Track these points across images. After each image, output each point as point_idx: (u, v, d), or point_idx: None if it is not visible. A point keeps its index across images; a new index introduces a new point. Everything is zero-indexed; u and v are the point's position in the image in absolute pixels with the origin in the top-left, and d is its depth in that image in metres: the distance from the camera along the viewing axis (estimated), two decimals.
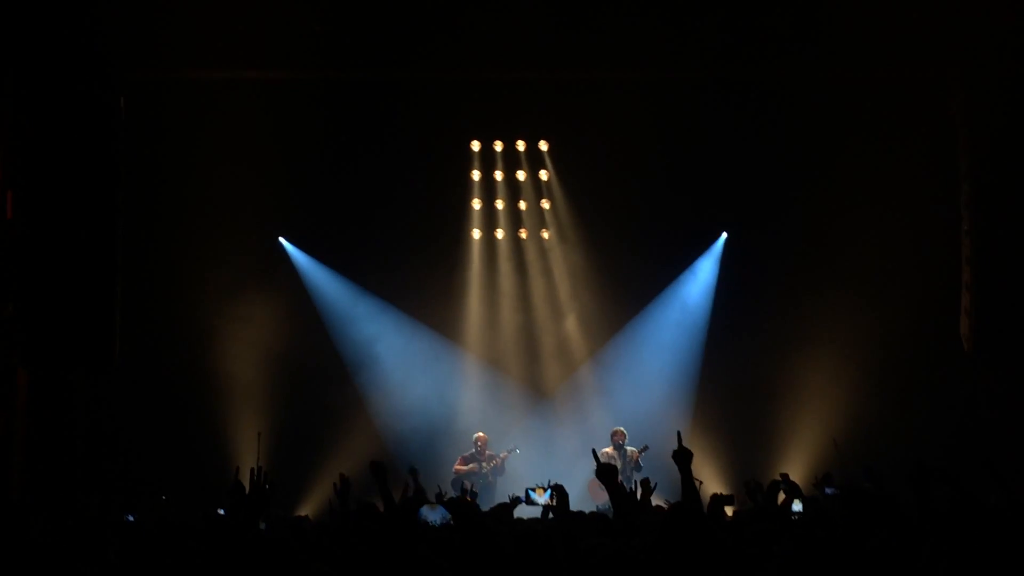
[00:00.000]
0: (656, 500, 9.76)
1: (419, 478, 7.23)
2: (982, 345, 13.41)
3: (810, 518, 6.37)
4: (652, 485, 7.37)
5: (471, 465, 14.32)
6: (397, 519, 5.03)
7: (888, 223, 14.30)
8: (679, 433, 5.88)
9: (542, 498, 10.45)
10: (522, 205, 15.63)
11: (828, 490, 8.59)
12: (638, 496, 7.23)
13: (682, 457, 5.44)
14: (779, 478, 8.58)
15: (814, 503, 7.57)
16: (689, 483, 5.25)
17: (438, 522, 6.97)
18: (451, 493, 11.22)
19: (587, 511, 7.94)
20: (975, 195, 13.43)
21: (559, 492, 6.26)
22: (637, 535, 5.29)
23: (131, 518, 9.25)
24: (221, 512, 8.18)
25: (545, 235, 15.63)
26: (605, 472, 5.90)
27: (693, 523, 4.40)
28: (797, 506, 6.29)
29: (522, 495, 10.21)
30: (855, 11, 12.78)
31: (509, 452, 14.42)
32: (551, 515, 8.20)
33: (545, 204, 15.59)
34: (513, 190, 15.61)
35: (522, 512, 8.98)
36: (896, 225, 14.30)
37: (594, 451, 6.22)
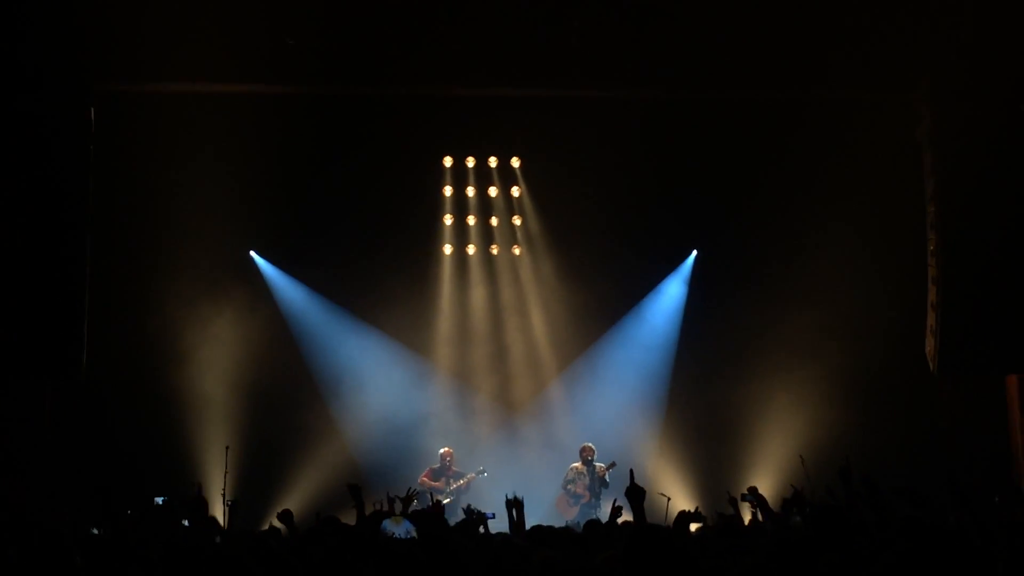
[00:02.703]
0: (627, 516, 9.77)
1: (360, 497, 7.17)
2: (947, 364, 13.53)
3: (774, 534, 6.41)
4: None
5: (438, 482, 14.33)
6: (359, 532, 5.04)
7: (855, 243, 14.45)
8: (631, 471, 6.03)
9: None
10: (493, 221, 15.67)
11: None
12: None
13: (634, 495, 5.60)
14: (747, 491, 8.62)
15: (779, 520, 7.61)
16: (641, 519, 5.44)
17: (402, 535, 6.94)
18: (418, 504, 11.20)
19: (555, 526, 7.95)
20: (941, 216, 13.57)
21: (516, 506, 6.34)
22: (602, 549, 5.32)
23: (95, 531, 9.18)
24: (185, 523, 8.14)
25: (516, 251, 15.67)
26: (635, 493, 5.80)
27: (658, 538, 4.44)
28: None
29: (487, 511, 10.15)
30: (824, 34, 12.92)
31: (476, 474, 14.44)
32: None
33: (516, 220, 15.63)
34: (485, 206, 15.64)
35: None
36: (863, 245, 14.45)
37: (631, 471, 6.17)
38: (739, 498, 8.91)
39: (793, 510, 7.52)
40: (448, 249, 15.55)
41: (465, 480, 14.41)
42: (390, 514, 6.72)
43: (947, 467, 13.26)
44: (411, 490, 7.60)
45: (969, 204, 13.37)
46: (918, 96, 13.83)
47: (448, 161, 15.46)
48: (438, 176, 15.46)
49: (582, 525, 7.82)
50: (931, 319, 13.66)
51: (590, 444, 14.42)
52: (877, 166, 14.20)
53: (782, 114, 14.53)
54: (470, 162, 15.50)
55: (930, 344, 13.67)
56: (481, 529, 7.45)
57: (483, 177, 15.58)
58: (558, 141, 14.77)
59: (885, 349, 14.45)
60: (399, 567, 4.72)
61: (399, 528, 6.85)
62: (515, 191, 15.56)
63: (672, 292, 15.61)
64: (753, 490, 8.87)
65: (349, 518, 7.30)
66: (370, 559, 4.66)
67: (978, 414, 14.31)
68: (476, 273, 15.66)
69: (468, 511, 7.93)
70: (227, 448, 13.59)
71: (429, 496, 13.73)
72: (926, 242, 13.86)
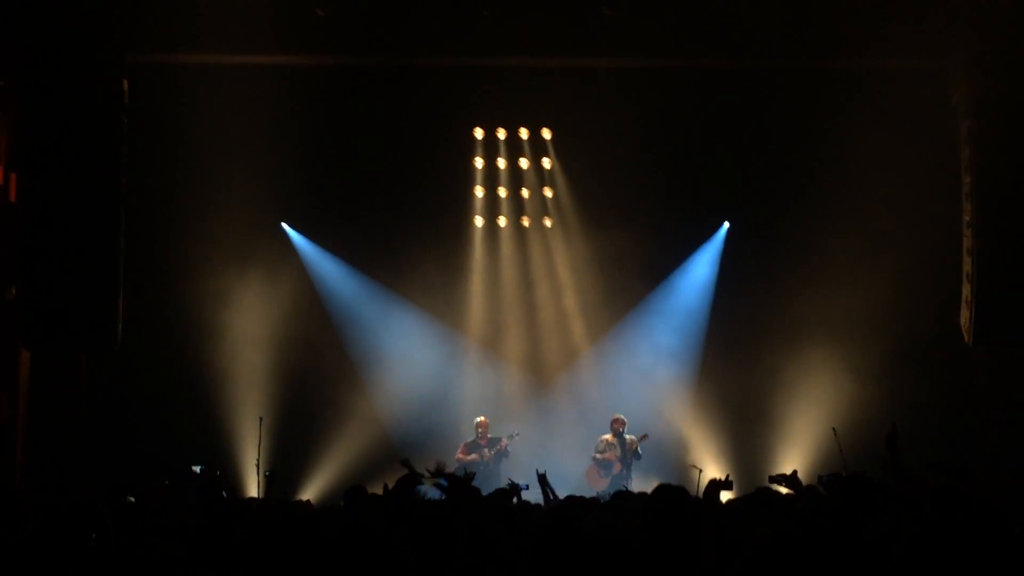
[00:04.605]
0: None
1: (411, 466, 7.24)
2: (982, 336, 13.41)
3: (806, 505, 6.38)
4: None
5: (473, 455, 14.35)
6: (388, 498, 5.06)
7: (890, 213, 14.30)
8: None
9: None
10: (524, 193, 15.64)
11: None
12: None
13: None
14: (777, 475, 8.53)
15: (810, 491, 7.57)
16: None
17: (437, 496, 6.99)
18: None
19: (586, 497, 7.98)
20: (977, 186, 13.42)
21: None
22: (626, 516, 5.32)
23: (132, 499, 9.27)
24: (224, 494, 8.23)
25: (547, 223, 15.65)
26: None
27: (679, 505, 4.43)
28: None
29: (522, 482, 10.14)
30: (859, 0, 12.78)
31: (510, 438, 14.46)
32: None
33: (547, 192, 15.60)
34: (516, 178, 15.62)
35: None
36: (898, 216, 14.29)
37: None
38: (769, 479, 8.84)
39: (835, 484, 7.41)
40: (479, 221, 15.55)
41: (501, 445, 14.42)
42: (419, 479, 6.75)
43: (980, 439, 13.25)
44: (439, 463, 7.60)
45: (1006, 173, 13.21)
46: (954, 63, 13.64)
47: (479, 133, 15.42)
48: (469, 148, 15.43)
49: None
50: (966, 290, 13.55)
51: (622, 416, 14.41)
52: (913, 135, 14.02)
53: (815, 83, 14.39)
54: (501, 134, 15.47)
55: (965, 315, 13.55)
56: (515, 500, 7.46)
57: (514, 149, 15.56)
58: (589, 112, 14.69)
59: (920, 320, 14.31)
60: (432, 533, 4.75)
61: (434, 490, 6.86)
62: (546, 163, 15.52)
63: (703, 264, 15.53)
64: (794, 474, 8.75)
65: (378, 488, 7.35)
66: (401, 525, 4.69)
67: (1014, 384, 14.16)
68: (507, 245, 15.65)
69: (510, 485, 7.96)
70: (261, 419, 13.69)
71: (463, 471, 13.77)
72: (961, 212, 13.72)
